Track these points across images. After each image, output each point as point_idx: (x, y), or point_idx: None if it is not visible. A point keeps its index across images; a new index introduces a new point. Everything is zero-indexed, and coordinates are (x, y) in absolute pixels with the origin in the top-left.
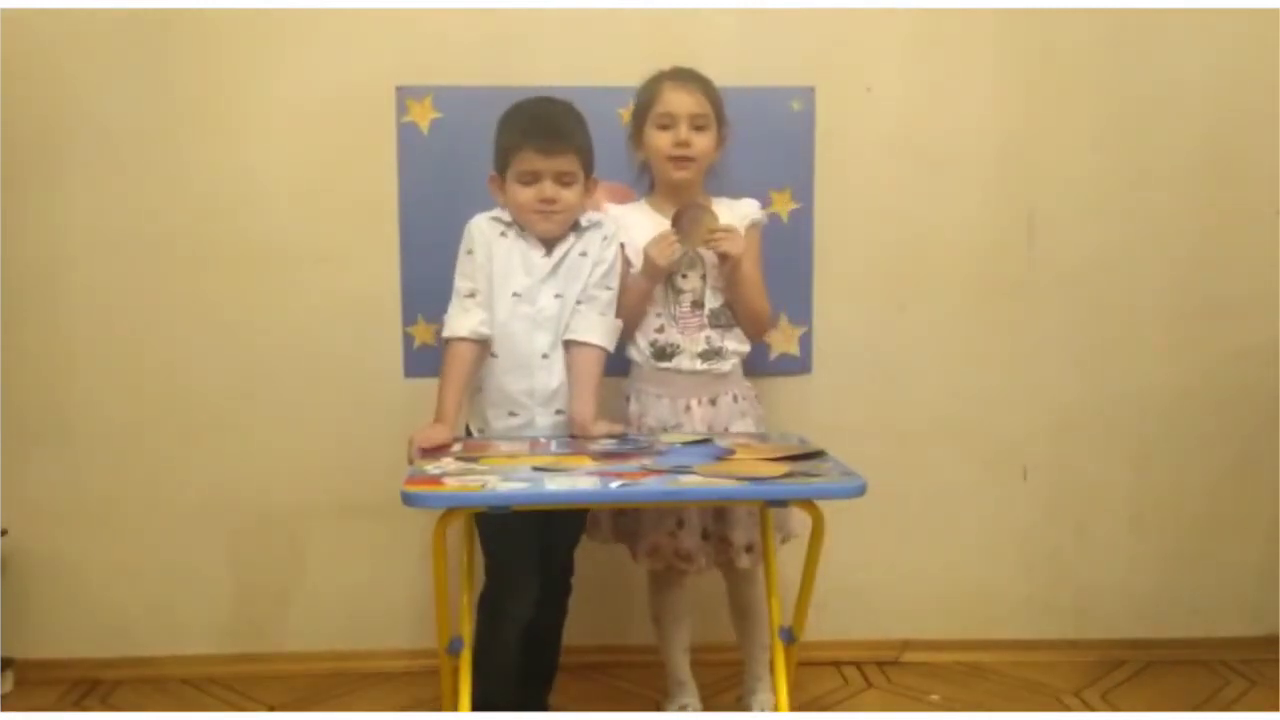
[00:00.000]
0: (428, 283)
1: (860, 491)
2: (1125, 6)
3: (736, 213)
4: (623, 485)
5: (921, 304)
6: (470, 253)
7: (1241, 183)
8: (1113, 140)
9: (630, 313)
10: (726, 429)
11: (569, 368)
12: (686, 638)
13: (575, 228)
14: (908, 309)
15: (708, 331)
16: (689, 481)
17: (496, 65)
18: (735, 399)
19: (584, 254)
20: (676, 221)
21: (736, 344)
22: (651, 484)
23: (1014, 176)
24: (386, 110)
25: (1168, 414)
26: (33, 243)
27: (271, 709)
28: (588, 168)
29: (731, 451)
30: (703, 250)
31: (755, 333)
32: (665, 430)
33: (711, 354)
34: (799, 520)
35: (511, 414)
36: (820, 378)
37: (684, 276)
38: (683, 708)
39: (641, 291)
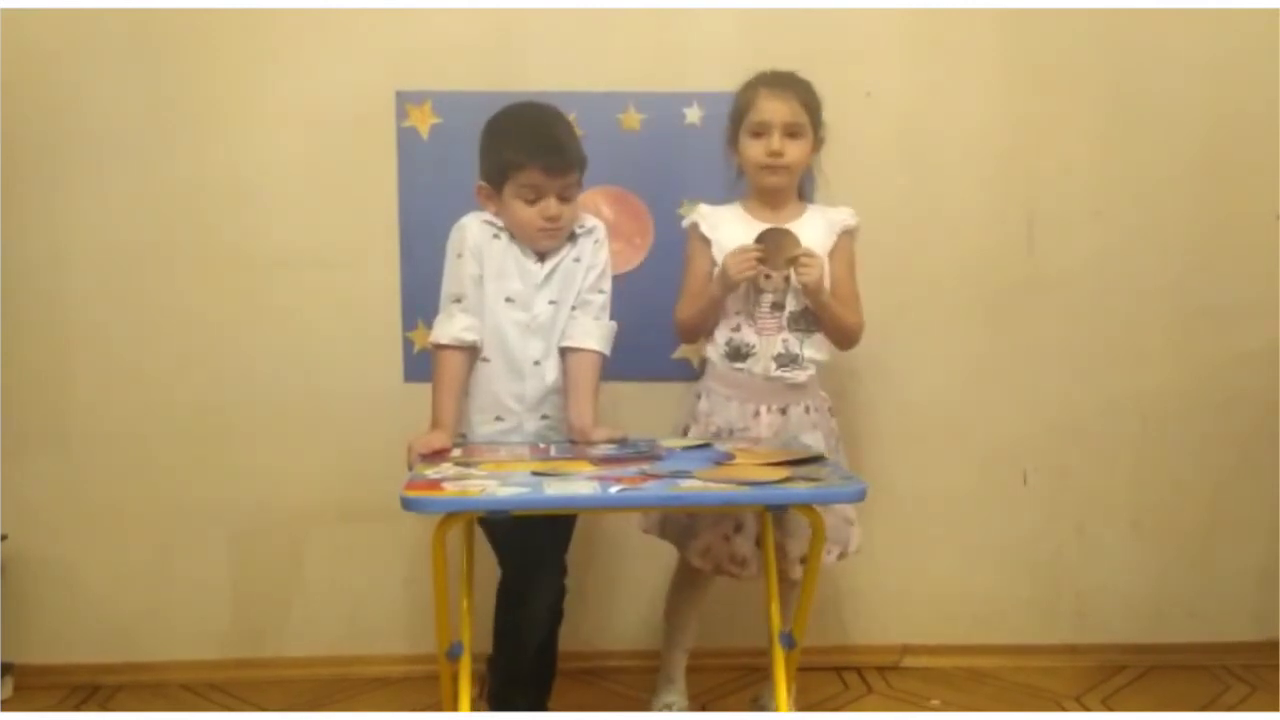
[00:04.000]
0: (427, 287)
1: (860, 496)
2: (1125, 6)
3: (829, 219)
4: (622, 490)
5: (921, 308)
6: (460, 256)
7: (1241, 187)
8: (1112, 144)
9: (701, 318)
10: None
11: (567, 374)
12: (692, 640)
13: (569, 235)
14: (908, 313)
15: (785, 335)
16: (688, 486)
17: (496, 70)
18: (808, 410)
19: (577, 260)
20: (759, 244)
21: (815, 352)
22: (651, 489)
23: (1013, 180)
24: (386, 115)
25: (1168, 418)
26: (32, 248)
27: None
28: (583, 179)
29: (731, 456)
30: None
31: (843, 345)
32: (731, 432)
33: (787, 360)
34: (856, 536)
35: (498, 419)
36: (819, 381)
37: (767, 277)
38: (667, 706)
39: (714, 299)
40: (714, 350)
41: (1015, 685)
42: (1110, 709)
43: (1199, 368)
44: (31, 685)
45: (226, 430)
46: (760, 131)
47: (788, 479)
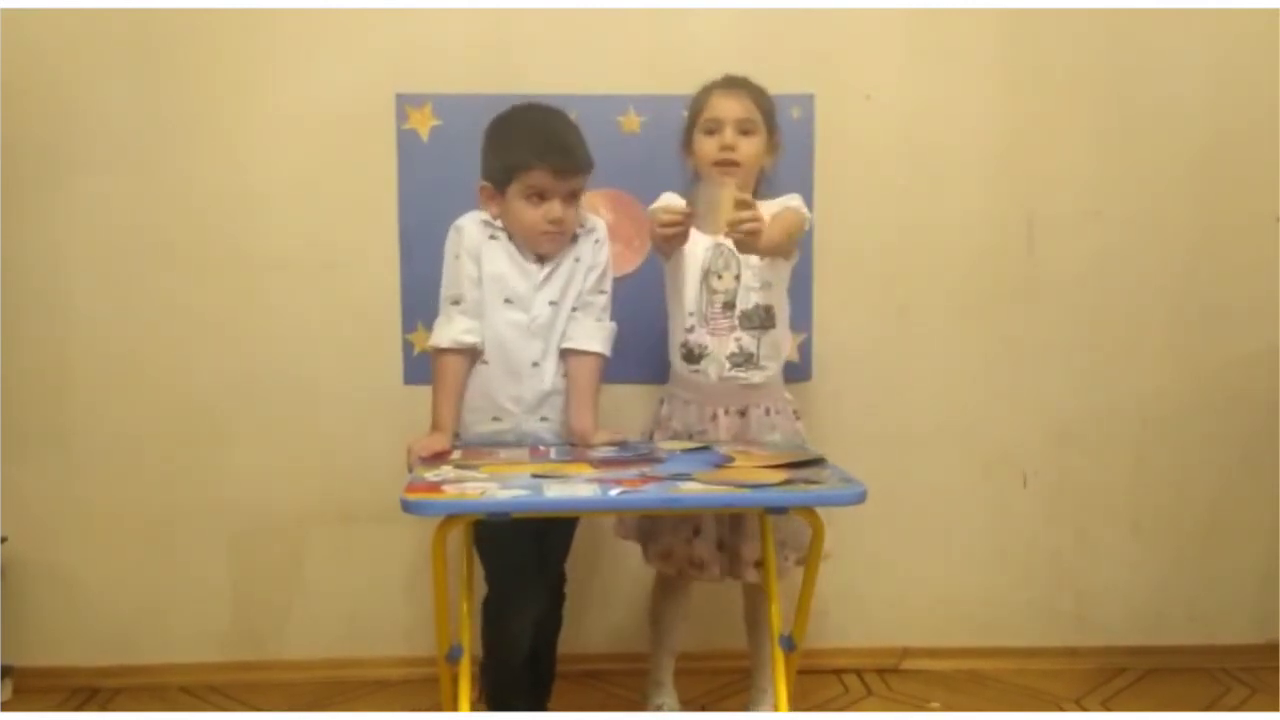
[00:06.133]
0: (427, 289)
1: (860, 498)
2: (1125, 6)
3: (779, 203)
4: (622, 492)
5: (921, 310)
6: (457, 258)
7: (1241, 189)
8: (1112, 146)
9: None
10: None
11: (568, 377)
12: (678, 643)
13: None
14: (908, 316)
15: (738, 334)
16: (688, 489)
17: (496, 73)
18: (768, 412)
19: (578, 260)
20: (692, 202)
21: (771, 350)
22: (651, 491)
23: (1013, 183)
24: (386, 117)
25: (1168, 420)
26: (32, 250)
27: None
28: (588, 182)
29: (731, 459)
30: (728, 241)
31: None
32: (690, 436)
33: (742, 360)
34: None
35: (495, 419)
36: (820, 384)
37: (719, 277)
38: (659, 708)
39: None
40: (672, 354)
41: (1015, 687)
42: (1110, 711)
43: (1199, 369)
44: (31, 688)
45: (226, 431)
46: (713, 129)
47: (787, 481)
